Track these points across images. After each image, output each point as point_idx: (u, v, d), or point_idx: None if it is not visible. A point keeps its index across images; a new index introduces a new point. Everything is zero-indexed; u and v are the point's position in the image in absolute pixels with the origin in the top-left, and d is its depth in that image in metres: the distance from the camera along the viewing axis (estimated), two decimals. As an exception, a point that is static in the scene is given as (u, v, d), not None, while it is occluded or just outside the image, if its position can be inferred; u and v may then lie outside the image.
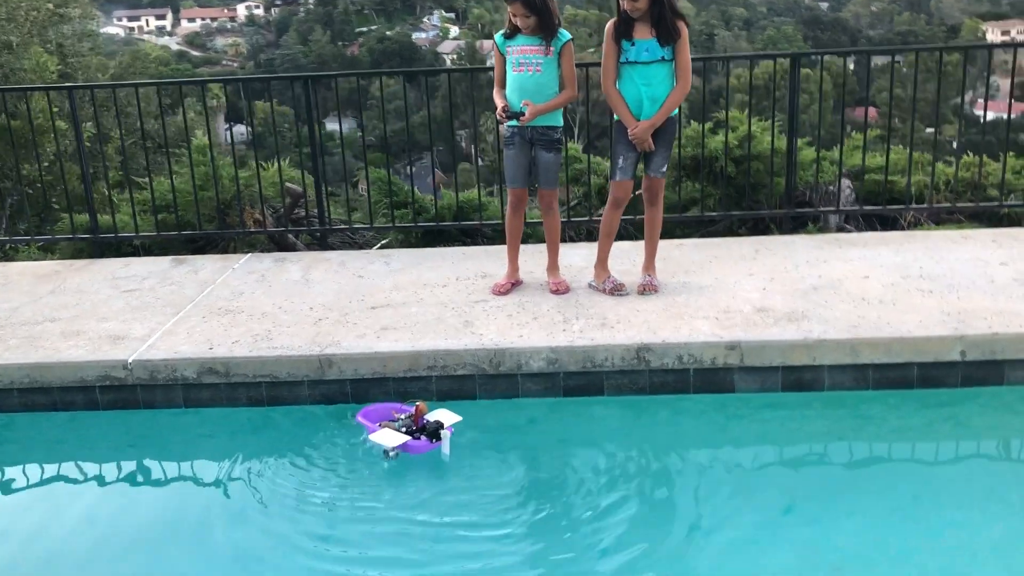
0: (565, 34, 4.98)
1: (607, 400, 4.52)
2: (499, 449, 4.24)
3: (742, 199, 7.03)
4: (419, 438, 4.02)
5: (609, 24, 4.87)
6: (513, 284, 5.34)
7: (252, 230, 7.09)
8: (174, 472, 4.23)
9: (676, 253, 5.79)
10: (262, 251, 6.82)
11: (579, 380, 4.53)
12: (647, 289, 5.05)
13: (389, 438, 3.98)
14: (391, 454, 3.95)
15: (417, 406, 4.16)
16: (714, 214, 6.88)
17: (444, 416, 4.11)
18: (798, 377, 4.46)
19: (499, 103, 4.97)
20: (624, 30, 4.78)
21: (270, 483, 4.01)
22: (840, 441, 4.21)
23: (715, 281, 5.22)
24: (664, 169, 5.02)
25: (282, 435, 4.42)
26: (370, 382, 4.56)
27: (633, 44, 4.76)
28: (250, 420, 4.51)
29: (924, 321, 4.58)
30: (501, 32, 5.05)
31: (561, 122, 5.20)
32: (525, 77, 4.94)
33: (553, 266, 5.34)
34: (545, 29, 4.87)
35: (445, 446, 3.98)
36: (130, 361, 4.63)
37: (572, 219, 6.84)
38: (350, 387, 4.56)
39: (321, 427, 4.39)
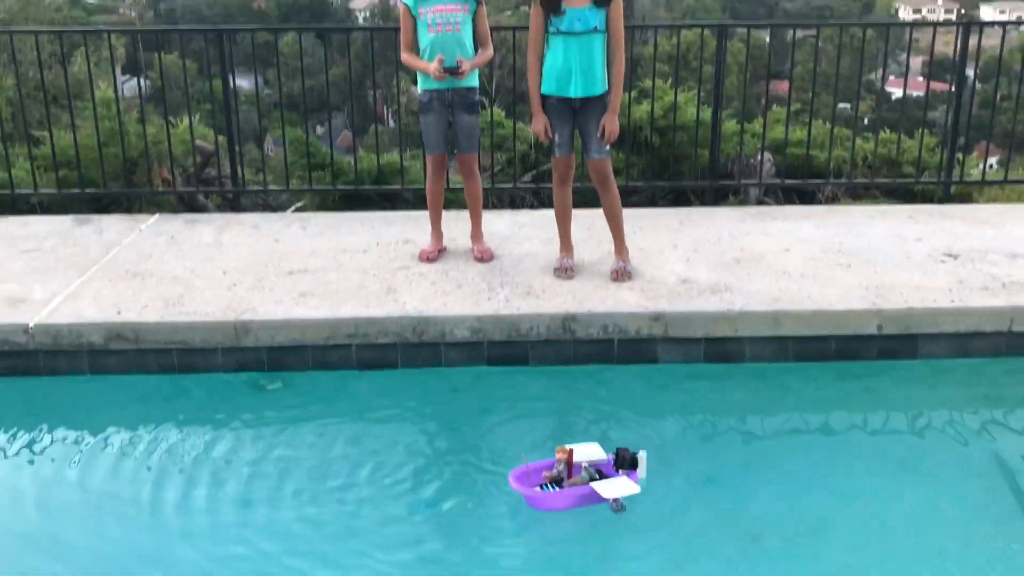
0: None
1: (532, 370, 4.54)
2: (420, 419, 4.25)
3: (665, 171, 7.12)
4: (620, 474, 3.59)
5: None
6: (439, 251, 5.34)
7: (160, 190, 6.88)
8: (76, 441, 4.05)
9: (600, 223, 5.77)
10: (170, 212, 6.63)
11: (504, 350, 4.53)
12: (620, 276, 4.85)
13: (608, 489, 3.48)
14: (618, 504, 3.46)
15: (569, 450, 3.61)
16: (638, 183, 6.95)
17: (587, 452, 3.64)
18: (721, 348, 4.56)
19: (428, 65, 4.89)
20: (553, 2, 4.59)
21: (182, 453, 3.96)
22: (760, 412, 4.32)
23: (640, 252, 5.30)
24: (607, 148, 4.83)
25: (194, 404, 4.38)
26: (287, 350, 4.52)
27: (564, 14, 4.61)
28: (160, 388, 4.44)
29: (843, 295, 4.73)
30: None
31: (478, 83, 5.18)
32: (445, 37, 4.90)
33: (477, 233, 5.35)
34: None
35: (642, 470, 3.61)
36: (31, 325, 4.48)
37: (496, 185, 6.83)
38: (266, 355, 4.52)
39: (235, 396, 4.36)
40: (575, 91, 4.75)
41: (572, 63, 4.70)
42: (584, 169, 5.23)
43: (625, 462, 3.51)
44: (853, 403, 4.44)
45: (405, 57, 5.02)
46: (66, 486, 3.79)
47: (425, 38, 4.92)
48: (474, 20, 4.96)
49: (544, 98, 4.85)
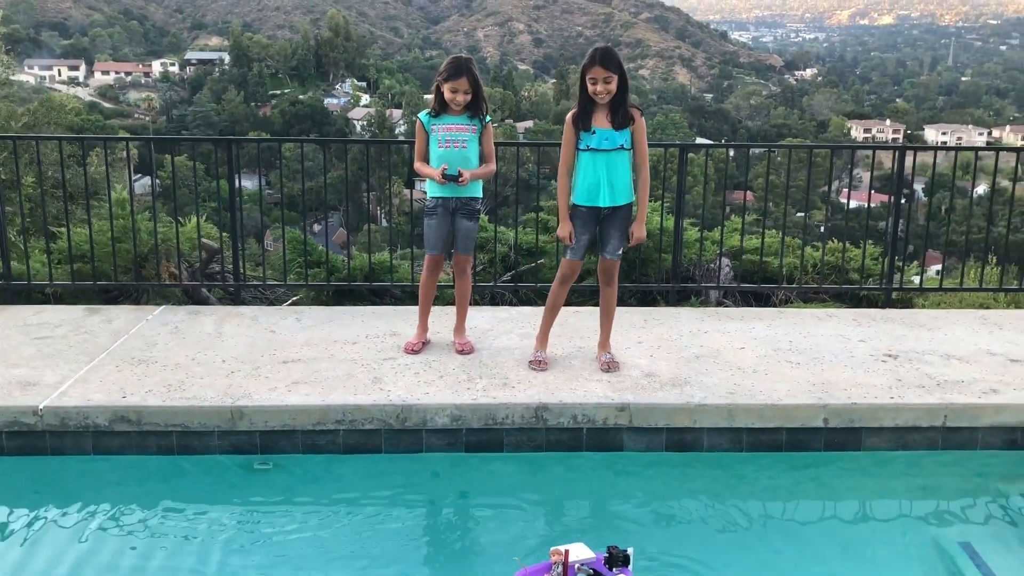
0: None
1: (506, 456, 4.60)
2: (402, 503, 4.26)
3: (632, 272, 7.29)
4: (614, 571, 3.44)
5: (569, 115, 4.90)
6: (424, 343, 5.42)
7: (167, 283, 6.98)
8: (78, 519, 4.03)
9: (573, 319, 5.95)
10: (175, 304, 6.71)
11: (480, 436, 4.59)
12: (612, 366, 5.01)
13: None
14: None
15: (562, 551, 3.40)
16: (607, 285, 7.08)
17: (578, 552, 3.46)
18: (681, 438, 4.63)
19: (434, 171, 5.09)
20: (585, 120, 4.84)
21: (177, 531, 3.95)
22: (716, 498, 4.37)
23: (608, 347, 5.38)
24: (620, 252, 5.04)
25: (190, 483, 4.40)
26: (279, 434, 4.56)
27: (594, 133, 4.83)
28: (159, 468, 4.45)
29: (792, 390, 4.84)
30: (426, 112, 5.23)
31: (481, 193, 5.37)
32: (452, 152, 5.13)
33: (461, 327, 5.44)
34: (476, 107, 5.10)
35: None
36: (41, 407, 4.51)
37: (477, 284, 6.96)
38: (259, 438, 4.55)
39: (229, 476, 4.44)
40: (604, 201, 4.97)
41: (601, 177, 4.93)
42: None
43: (618, 560, 3.43)
44: (803, 491, 4.51)
45: (417, 165, 5.26)
46: (66, 561, 3.77)
47: (435, 152, 5.15)
48: (480, 138, 5.18)
49: (574, 207, 5.04)
